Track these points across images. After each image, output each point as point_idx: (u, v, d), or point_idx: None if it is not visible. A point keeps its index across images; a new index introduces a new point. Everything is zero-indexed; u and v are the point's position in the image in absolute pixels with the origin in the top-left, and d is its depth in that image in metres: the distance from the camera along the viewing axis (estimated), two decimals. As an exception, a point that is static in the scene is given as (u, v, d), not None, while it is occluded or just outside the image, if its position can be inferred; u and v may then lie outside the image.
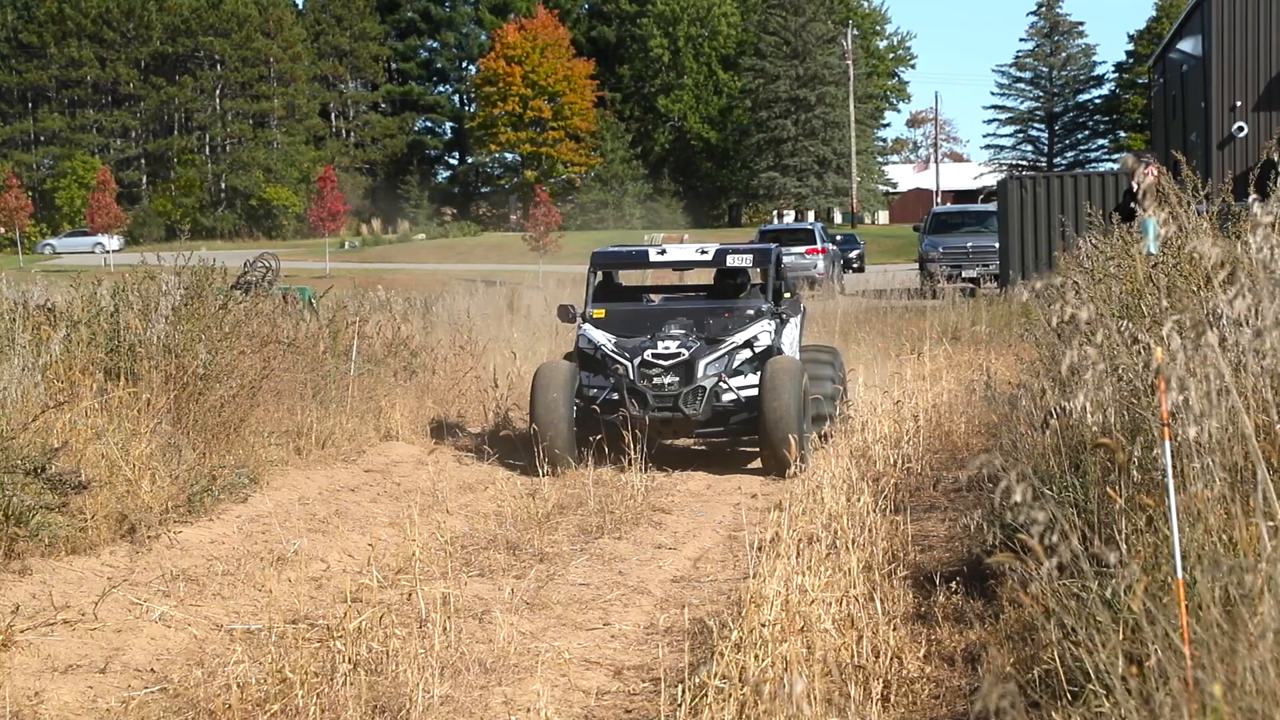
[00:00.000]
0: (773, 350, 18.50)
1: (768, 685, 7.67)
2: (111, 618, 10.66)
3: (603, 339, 18.40)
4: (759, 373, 17.96)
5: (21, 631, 9.86)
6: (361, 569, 10.10)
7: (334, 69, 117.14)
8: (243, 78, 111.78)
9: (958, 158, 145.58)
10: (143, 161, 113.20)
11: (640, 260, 20.59)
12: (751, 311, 18.84)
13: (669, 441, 18.64)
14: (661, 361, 17.91)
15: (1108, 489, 8.40)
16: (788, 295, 20.16)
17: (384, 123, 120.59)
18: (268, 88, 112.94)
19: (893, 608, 10.12)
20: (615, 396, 18.05)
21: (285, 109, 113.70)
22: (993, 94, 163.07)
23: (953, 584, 10.59)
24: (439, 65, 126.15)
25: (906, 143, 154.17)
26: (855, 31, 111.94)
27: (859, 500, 12.30)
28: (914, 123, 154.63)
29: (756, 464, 18.70)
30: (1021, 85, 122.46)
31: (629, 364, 17.97)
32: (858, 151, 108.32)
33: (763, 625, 8.84)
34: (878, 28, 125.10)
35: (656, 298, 21.14)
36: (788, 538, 10.83)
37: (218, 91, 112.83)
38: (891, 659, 9.11)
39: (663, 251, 20.02)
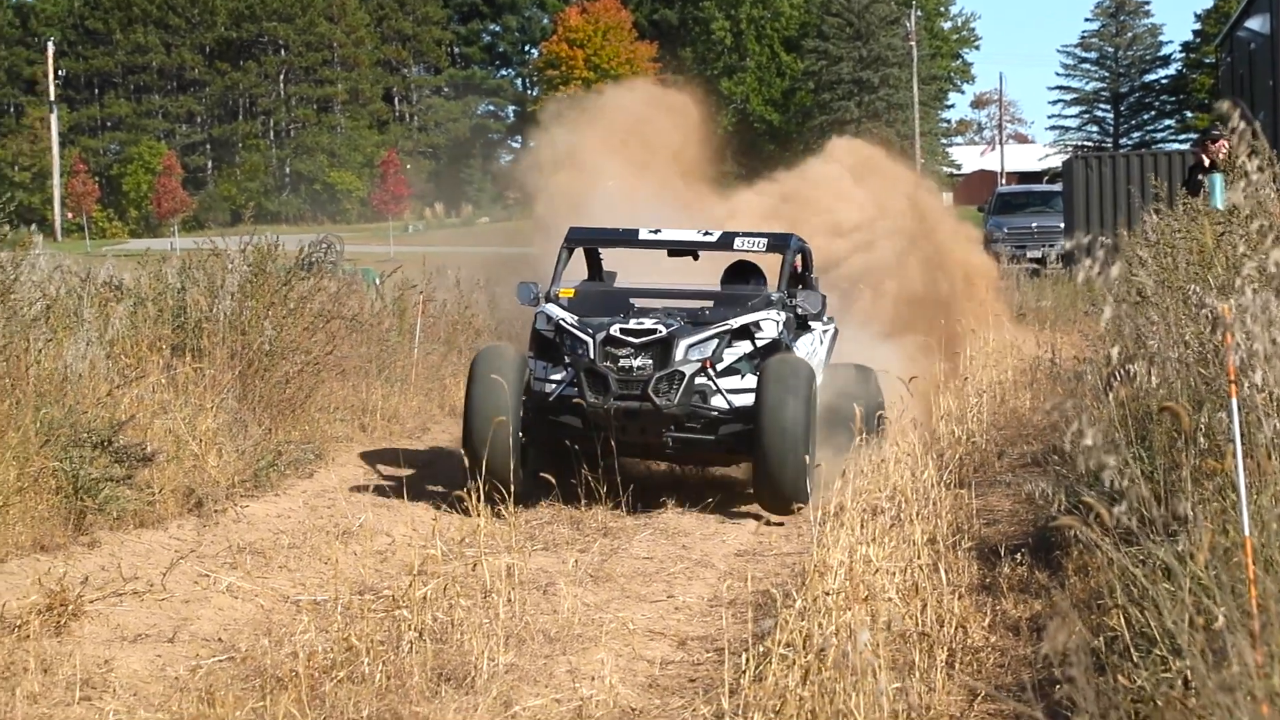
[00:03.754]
0: (780, 347, 14.40)
1: (832, 651, 7.68)
2: (179, 589, 10.76)
3: (566, 315, 14.59)
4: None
5: (91, 602, 9.95)
6: (426, 542, 10.13)
7: (397, 54, 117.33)
8: (306, 63, 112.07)
9: (1022, 139, 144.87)
10: (208, 147, 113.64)
11: (627, 239, 16.29)
12: (757, 299, 14.97)
13: (637, 458, 14.98)
14: (631, 339, 14.12)
15: (1174, 456, 8.38)
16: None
17: (447, 107, 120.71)
18: (331, 73, 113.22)
19: (957, 578, 10.12)
20: (575, 391, 14.17)
21: (349, 94, 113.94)
22: (1058, 75, 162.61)
23: (1017, 555, 10.59)
24: (501, 49, 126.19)
25: (971, 124, 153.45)
26: (919, 13, 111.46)
27: (924, 474, 12.28)
28: (978, 104, 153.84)
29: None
30: (1087, 66, 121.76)
31: (591, 340, 14.15)
32: (921, 133, 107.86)
33: (826, 594, 8.84)
34: (941, 9, 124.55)
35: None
36: (852, 509, 10.81)
37: (282, 77, 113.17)
38: (956, 628, 9.12)
39: (656, 231, 15.96)
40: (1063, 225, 44.10)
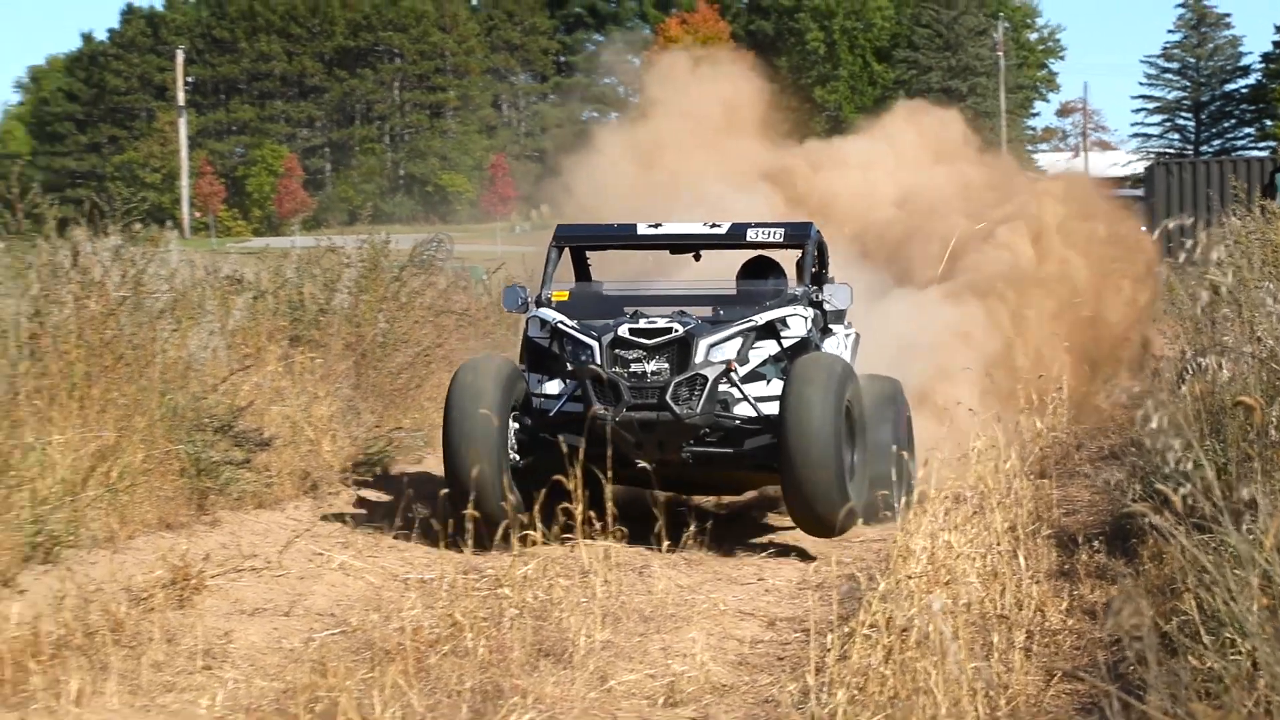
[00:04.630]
0: (809, 347, 12.38)
1: (913, 632, 7.67)
2: (295, 566, 10.88)
3: (562, 317, 12.38)
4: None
5: (212, 577, 10.06)
6: (528, 524, 10.16)
7: (505, 62, 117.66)
8: (420, 70, 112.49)
9: (1106, 146, 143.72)
10: (327, 150, 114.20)
11: (623, 236, 13.89)
12: (778, 295, 12.91)
13: (653, 488, 11.94)
14: (643, 340, 11.95)
15: (1246, 449, 8.32)
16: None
17: (553, 112, 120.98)
18: (443, 80, 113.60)
19: (1036, 565, 10.06)
20: (580, 406, 11.89)
21: (460, 100, 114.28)
22: (1141, 84, 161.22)
23: (1095, 543, 10.53)
24: (604, 58, 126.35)
25: (1056, 131, 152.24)
26: (1006, 24, 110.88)
27: (1005, 464, 12.22)
28: (1063, 112, 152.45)
29: None
30: (1169, 76, 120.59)
31: (596, 344, 11.96)
32: (1008, 140, 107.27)
33: (909, 577, 8.83)
34: (1028, 21, 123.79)
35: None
36: (935, 497, 10.79)
37: (396, 84, 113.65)
38: (1034, 611, 9.09)
39: (656, 225, 13.47)
40: (1144, 229, 43.83)
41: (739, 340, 12.07)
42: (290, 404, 13.55)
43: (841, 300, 12.72)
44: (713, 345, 11.95)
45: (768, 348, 12.24)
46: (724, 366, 11.92)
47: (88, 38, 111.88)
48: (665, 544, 10.63)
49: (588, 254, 14.02)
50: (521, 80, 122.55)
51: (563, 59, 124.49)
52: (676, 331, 11.90)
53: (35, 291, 12.47)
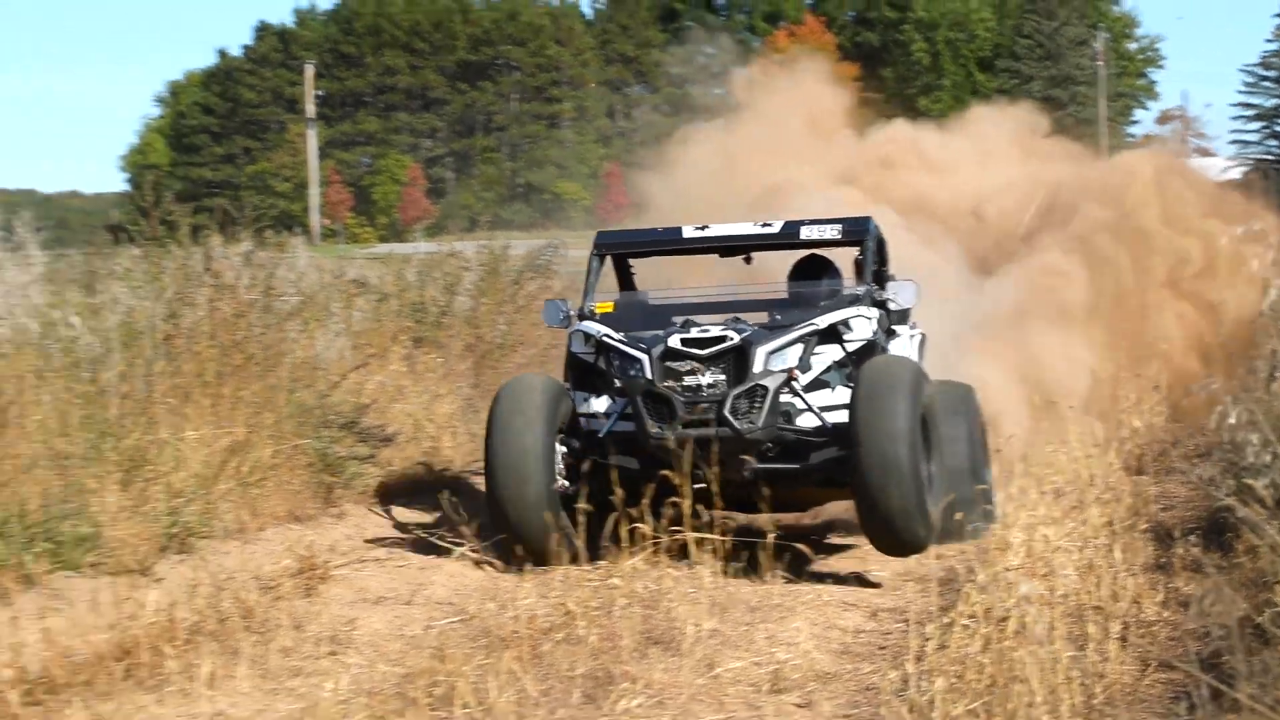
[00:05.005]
0: (875, 350, 11.26)
1: (1011, 622, 7.64)
2: (416, 558, 10.97)
3: (607, 330, 11.25)
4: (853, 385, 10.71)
5: (338, 567, 10.19)
6: (639, 518, 10.17)
7: (619, 74, 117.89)
8: (537, 82, 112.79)
9: (1205, 153, 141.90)
10: (448, 159, 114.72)
11: (668, 241, 12.67)
12: (838, 296, 11.77)
13: (717, 507, 10.50)
14: (696, 350, 10.79)
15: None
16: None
17: (665, 122, 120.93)
18: (560, 91, 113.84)
19: (1132, 558, 9.98)
20: (630, 425, 10.87)
21: (575, 111, 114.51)
22: (1239, 92, 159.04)
23: (1191, 538, 10.41)
24: (715, 69, 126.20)
25: (1155, 139, 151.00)
26: (1107, 35, 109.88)
27: (1103, 461, 12.13)
28: (1163, 120, 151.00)
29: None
30: (1268, 84, 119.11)
31: (646, 357, 10.84)
32: (1109, 148, 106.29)
33: (1007, 569, 8.79)
34: (1128, 31, 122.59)
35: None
36: (1035, 493, 10.73)
37: (515, 95, 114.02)
38: (1130, 603, 9.01)
39: (702, 227, 12.23)
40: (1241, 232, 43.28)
41: (799, 346, 10.95)
42: (412, 402, 13.68)
43: (907, 298, 11.57)
44: (772, 353, 10.82)
45: (830, 353, 11.10)
46: (785, 375, 10.79)
47: (223, 54, 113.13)
48: (771, 536, 10.60)
49: (631, 262, 12.76)
50: (635, 91, 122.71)
51: (675, 70, 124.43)
52: (732, 340, 10.77)
53: (170, 295, 12.66)
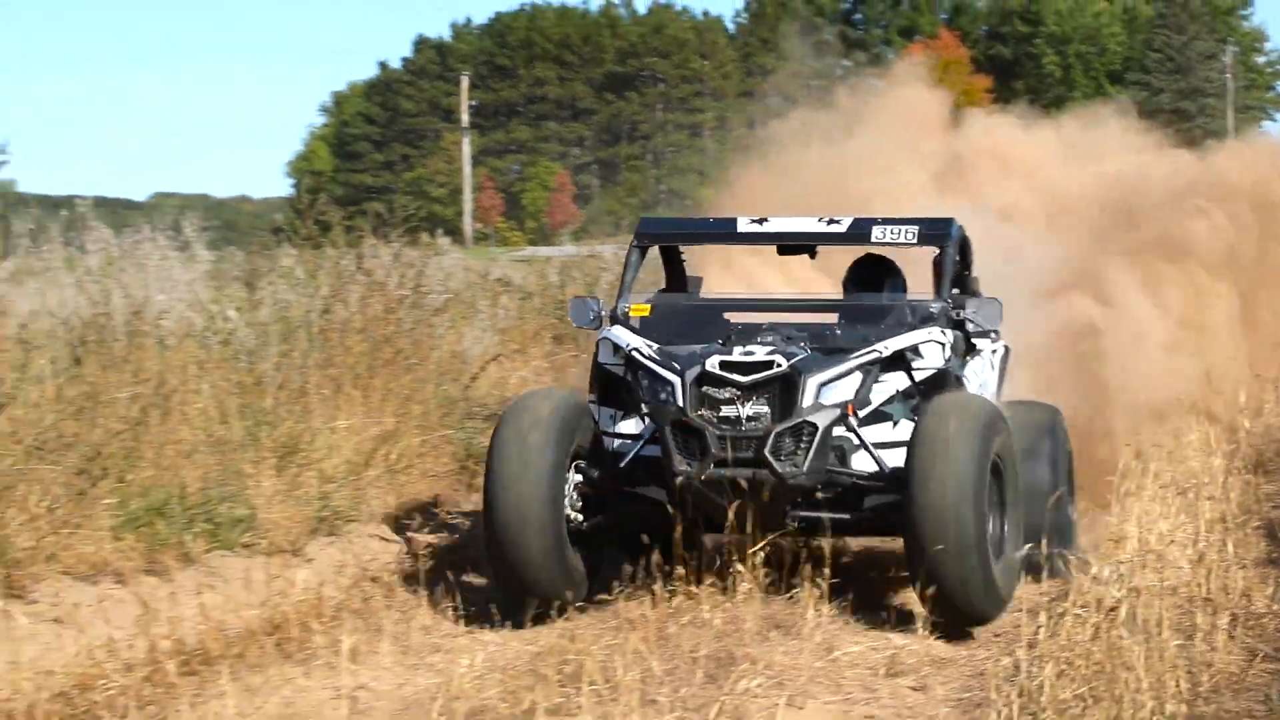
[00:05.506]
0: (947, 381, 9.41)
1: (1122, 610, 7.57)
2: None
3: (638, 343, 9.42)
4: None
5: (476, 551, 10.20)
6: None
7: (759, 85, 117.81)
8: (681, 94, 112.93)
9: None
10: (595, 166, 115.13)
11: (720, 233, 11.03)
12: (909, 313, 9.76)
13: (748, 550, 8.95)
14: (737, 376, 8.97)
15: None
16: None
17: (783, 129, 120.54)
18: (702, 102, 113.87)
19: (1243, 553, 9.85)
20: (657, 450, 9.08)
21: (717, 121, 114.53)
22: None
23: (1302, 534, 10.27)
24: (852, 81, 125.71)
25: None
26: (1235, 49, 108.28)
27: (1215, 459, 11.96)
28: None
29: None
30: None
31: (678, 380, 9.03)
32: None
33: (1119, 561, 8.70)
34: (1257, 45, 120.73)
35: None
36: (1151, 488, 10.62)
37: (659, 106, 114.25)
38: (1240, 596, 8.89)
39: (760, 220, 10.34)
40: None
41: (858, 376, 9.12)
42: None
43: (989, 318, 9.69)
44: (824, 384, 8.99)
45: (895, 381, 9.26)
46: (839, 411, 8.96)
47: (384, 66, 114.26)
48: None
49: (682, 253, 10.72)
50: (773, 103, 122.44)
51: (814, 83, 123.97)
52: (779, 366, 8.94)
53: (325, 292, 12.81)
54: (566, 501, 9.08)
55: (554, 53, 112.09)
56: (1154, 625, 7.51)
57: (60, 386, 10.46)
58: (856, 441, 9.10)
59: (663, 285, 10.62)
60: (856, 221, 10.13)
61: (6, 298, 11.90)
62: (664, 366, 9.16)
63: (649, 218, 10.75)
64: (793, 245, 10.70)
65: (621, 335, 9.51)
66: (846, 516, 9.12)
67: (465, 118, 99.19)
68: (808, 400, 8.92)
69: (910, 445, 8.71)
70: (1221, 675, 7.55)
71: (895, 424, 9.20)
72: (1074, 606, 7.92)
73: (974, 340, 9.96)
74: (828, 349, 9.28)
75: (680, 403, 8.97)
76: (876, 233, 10.03)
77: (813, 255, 10.87)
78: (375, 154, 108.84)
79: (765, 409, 8.92)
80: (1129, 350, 13.49)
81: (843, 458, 9.09)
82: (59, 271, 13.26)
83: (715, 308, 10.25)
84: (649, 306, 9.90)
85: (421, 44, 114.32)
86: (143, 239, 13.62)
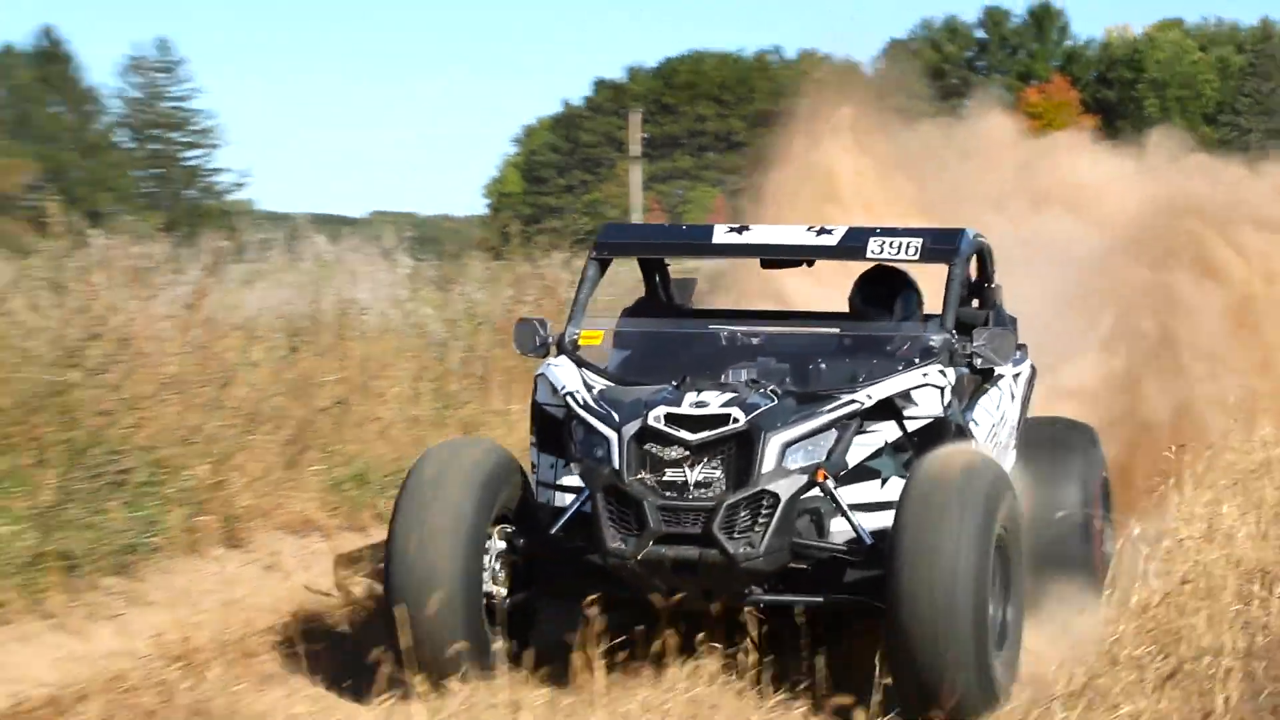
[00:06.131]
0: (945, 431, 7.05)
1: (1189, 583, 7.41)
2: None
3: (576, 384, 7.07)
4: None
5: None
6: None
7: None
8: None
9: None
10: (748, 192, 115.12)
11: (692, 245, 8.63)
12: (907, 344, 7.48)
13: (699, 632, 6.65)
14: (684, 433, 6.61)
15: None
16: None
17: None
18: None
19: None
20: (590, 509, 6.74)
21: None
22: None
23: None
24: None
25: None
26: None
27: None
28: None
29: None
30: None
31: (615, 436, 6.68)
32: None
33: (1189, 537, 8.53)
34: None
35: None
36: (1216, 471, 10.36)
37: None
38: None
39: (740, 229, 7.86)
40: None
41: (832, 435, 6.62)
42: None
43: (1001, 352, 7.10)
44: (790, 444, 6.48)
45: (884, 431, 6.82)
46: (806, 478, 6.50)
47: (567, 104, 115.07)
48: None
49: (670, 269, 8.24)
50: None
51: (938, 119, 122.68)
52: (735, 423, 6.44)
53: (508, 294, 12.97)
54: (486, 574, 6.64)
55: (714, 92, 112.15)
56: (1218, 592, 7.36)
57: (277, 370, 10.69)
58: (834, 505, 6.64)
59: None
60: (851, 232, 7.54)
61: (237, 295, 12.21)
62: (600, 418, 6.65)
63: (613, 224, 7.29)
64: (776, 259, 7.98)
65: (559, 373, 7.02)
66: (819, 599, 6.60)
67: (636, 149, 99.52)
68: (768, 464, 6.40)
69: (896, 514, 6.31)
70: (1274, 637, 7.40)
71: (884, 482, 6.79)
72: (1147, 576, 7.72)
73: (995, 374, 7.63)
74: (802, 395, 6.77)
75: (616, 464, 6.43)
76: (873, 246, 7.43)
77: (811, 263, 8.10)
78: (558, 179, 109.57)
79: (718, 474, 6.41)
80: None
81: (819, 525, 6.64)
82: (282, 275, 13.56)
83: (682, 334, 7.68)
84: (600, 333, 7.37)
85: (600, 84, 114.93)
86: (352, 249, 13.91)
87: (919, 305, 7.88)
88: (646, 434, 6.54)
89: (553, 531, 6.83)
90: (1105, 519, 8.06)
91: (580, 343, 7.28)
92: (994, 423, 7.52)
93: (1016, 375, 8.02)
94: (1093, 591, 7.54)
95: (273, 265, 14.19)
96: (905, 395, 6.85)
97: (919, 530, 6.23)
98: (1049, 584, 7.56)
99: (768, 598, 6.72)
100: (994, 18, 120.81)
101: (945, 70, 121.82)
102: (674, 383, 6.80)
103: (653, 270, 8.15)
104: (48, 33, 56.71)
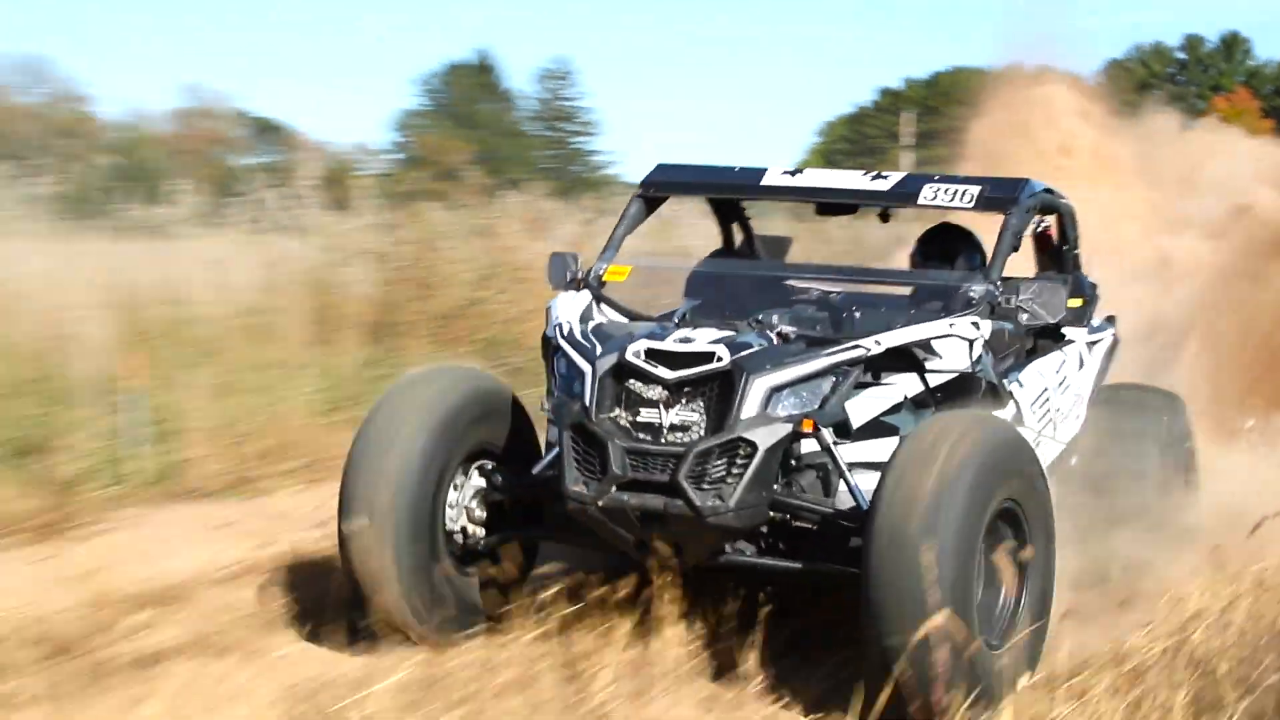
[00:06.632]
0: (972, 387, 4.61)
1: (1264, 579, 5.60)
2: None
3: (572, 316, 4.81)
4: None
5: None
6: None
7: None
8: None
9: None
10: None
11: (741, 185, 5.46)
12: (949, 297, 4.82)
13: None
14: (664, 370, 4.32)
15: None
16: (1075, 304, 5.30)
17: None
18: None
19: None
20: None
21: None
22: None
23: None
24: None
25: None
26: None
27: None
28: None
29: None
30: None
31: (590, 369, 4.42)
32: None
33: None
34: None
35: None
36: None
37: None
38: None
39: (795, 172, 5.35)
40: None
41: (827, 381, 4.53)
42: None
43: (1051, 305, 4.95)
44: (778, 389, 4.46)
45: (903, 385, 4.70)
46: (791, 427, 4.42)
47: (860, 106, 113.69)
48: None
49: (746, 209, 5.91)
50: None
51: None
52: (719, 361, 4.46)
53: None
54: (455, 511, 4.71)
55: (969, 99, 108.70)
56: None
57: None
58: (836, 464, 4.52)
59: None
60: (908, 178, 5.32)
61: (602, 242, 12.29)
62: (581, 351, 4.64)
63: (665, 164, 5.64)
64: (830, 204, 5.64)
65: (559, 305, 4.97)
66: (801, 565, 4.45)
67: (908, 140, 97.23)
68: (749, 409, 4.36)
69: (881, 475, 4.18)
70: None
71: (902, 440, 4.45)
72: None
73: (1066, 330, 5.41)
74: (812, 339, 4.66)
75: (587, 400, 4.46)
76: (926, 193, 5.18)
77: (884, 218, 5.80)
78: (846, 163, 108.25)
79: (697, 417, 4.41)
80: None
81: (825, 483, 4.55)
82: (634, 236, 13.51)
83: (727, 278, 5.44)
84: (627, 269, 5.17)
85: (884, 92, 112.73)
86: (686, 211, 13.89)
87: (984, 265, 5.35)
88: (624, 369, 4.41)
89: (535, 471, 4.77)
90: (1188, 489, 5.72)
91: (605, 278, 5.09)
92: (1047, 387, 5.20)
93: (1093, 343, 5.67)
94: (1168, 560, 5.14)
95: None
96: (925, 345, 4.56)
97: (892, 503, 4.00)
98: (1119, 552, 5.09)
99: (744, 560, 4.47)
100: (1192, 42, 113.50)
101: (1151, 84, 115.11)
102: (676, 319, 4.77)
103: (729, 221, 5.80)
104: (482, 53, 59.50)
